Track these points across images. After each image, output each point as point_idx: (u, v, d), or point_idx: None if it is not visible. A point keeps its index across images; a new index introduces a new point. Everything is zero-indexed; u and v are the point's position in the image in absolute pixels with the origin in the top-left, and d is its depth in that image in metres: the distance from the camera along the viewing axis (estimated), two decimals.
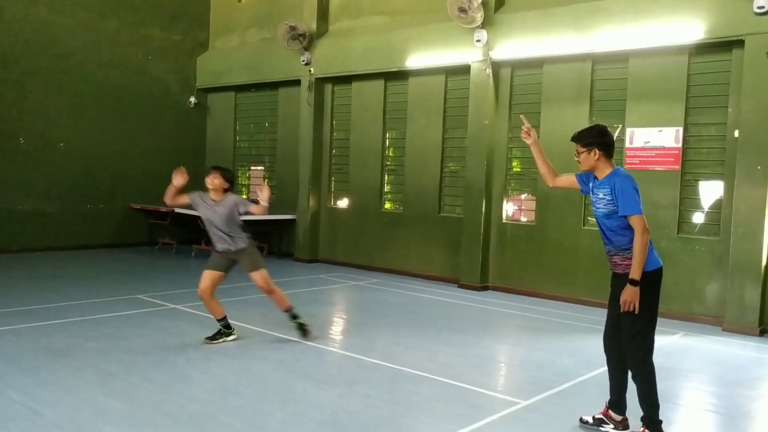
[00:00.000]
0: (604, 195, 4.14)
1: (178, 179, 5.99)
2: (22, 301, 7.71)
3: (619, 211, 4.05)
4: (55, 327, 6.54)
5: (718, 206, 8.17)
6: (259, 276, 6.15)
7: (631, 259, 4.04)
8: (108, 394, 4.65)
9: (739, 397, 5.32)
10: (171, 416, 4.27)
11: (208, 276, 6.08)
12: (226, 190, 6.12)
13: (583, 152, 4.23)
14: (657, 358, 4.12)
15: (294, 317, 6.40)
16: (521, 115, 4.89)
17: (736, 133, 7.83)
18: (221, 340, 6.21)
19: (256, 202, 5.99)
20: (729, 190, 7.97)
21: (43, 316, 6.99)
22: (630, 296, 3.99)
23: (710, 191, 8.25)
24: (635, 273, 3.98)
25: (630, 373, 4.19)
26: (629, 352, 4.13)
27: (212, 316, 6.28)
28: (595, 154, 4.17)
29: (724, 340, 7.33)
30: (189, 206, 6.30)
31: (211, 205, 6.06)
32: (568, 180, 4.51)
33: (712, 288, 8.13)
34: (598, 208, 4.22)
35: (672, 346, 6.94)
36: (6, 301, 7.71)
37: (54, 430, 3.97)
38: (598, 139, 4.18)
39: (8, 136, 11.77)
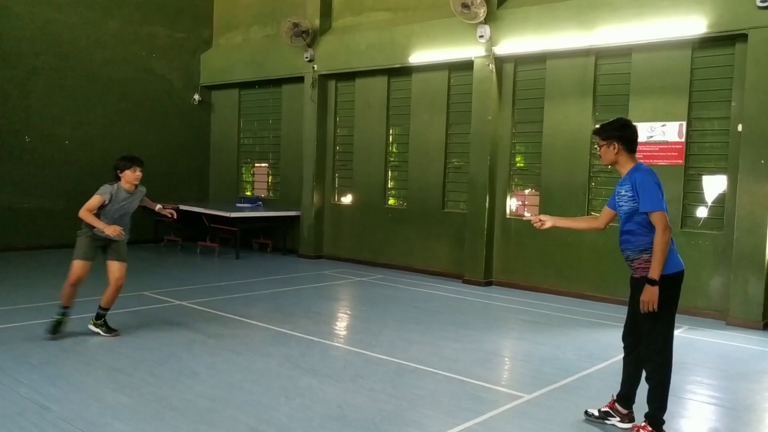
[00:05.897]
0: (626, 192, 4.02)
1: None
2: (30, 298, 7.77)
3: (639, 208, 3.91)
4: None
5: (721, 200, 8.17)
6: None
7: (650, 261, 3.90)
8: (115, 389, 4.70)
9: (743, 391, 5.34)
10: (178, 411, 4.31)
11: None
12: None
13: (603, 145, 4.14)
14: None
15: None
16: (527, 216, 4.80)
17: (740, 127, 7.83)
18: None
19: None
20: (732, 184, 7.97)
21: (50, 312, 7.01)
22: (649, 296, 3.86)
23: (714, 185, 8.24)
24: (654, 272, 3.84)
25: (644, 373, 4.11)
26: (647, 355, 4.06)
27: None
28: (614, 148, 4.08)
29: (727, 333, 7.33)
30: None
31: (128, 196, 6.36)
32: (608, 214, 4.35)
33: (716, 282, 8.13)
34: (621, 207, 4.08)
35: (676, 340, 6.83)
36: (14, 298, 7.78)
37: (62, 424, 4.01)
38: (619, 132, 4.09)
39: (14, 135, 11.83)
